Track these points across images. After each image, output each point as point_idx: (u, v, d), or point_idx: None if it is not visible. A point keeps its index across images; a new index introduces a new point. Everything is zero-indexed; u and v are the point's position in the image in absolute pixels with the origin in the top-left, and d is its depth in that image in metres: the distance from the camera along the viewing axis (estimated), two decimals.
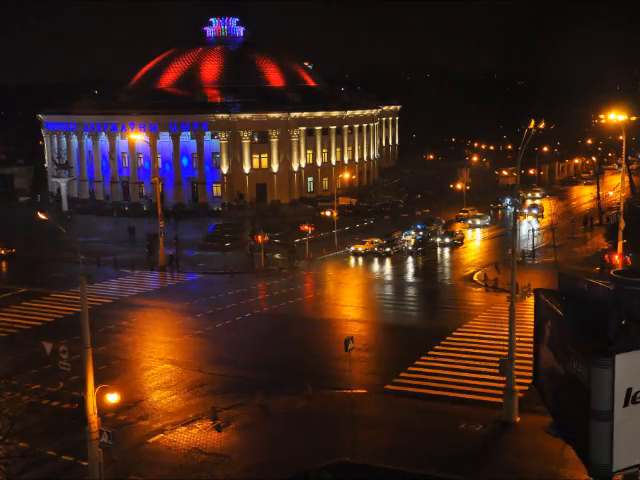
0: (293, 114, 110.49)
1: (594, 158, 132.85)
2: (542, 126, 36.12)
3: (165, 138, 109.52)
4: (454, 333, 48.23)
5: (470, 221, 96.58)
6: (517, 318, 35.43)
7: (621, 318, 19.05)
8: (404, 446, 31.63)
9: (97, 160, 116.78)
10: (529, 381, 28.59)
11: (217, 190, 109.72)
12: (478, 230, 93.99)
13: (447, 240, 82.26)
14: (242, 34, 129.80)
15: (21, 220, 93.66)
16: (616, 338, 18.58)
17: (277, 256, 75.49)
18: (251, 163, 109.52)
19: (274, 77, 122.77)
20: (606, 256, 65.48)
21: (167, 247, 73.55)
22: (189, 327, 51.70)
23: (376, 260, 75.24)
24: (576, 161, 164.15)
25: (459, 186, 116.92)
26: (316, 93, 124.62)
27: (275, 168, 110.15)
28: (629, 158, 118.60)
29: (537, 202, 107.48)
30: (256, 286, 65.18)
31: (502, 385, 34.45)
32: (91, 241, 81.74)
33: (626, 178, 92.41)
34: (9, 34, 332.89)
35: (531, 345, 26.68)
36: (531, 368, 26.59)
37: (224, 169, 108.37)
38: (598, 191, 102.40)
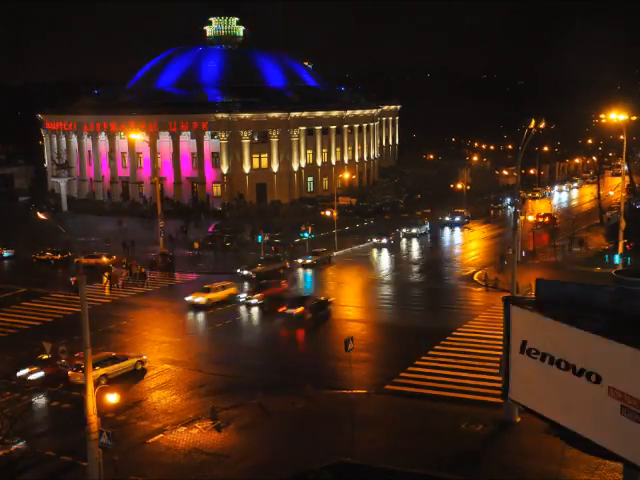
0: (293, 114, 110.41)
1: (594, 158, 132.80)
2: (542, 126, 36.21)
3: (165, 138, 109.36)
4: (454, 333, 48.20)
5: (405, 229, 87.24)
6: None
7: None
8: (404, 446, 31.61)
9: (97, 160, 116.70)
10: None
11: (217, 190, 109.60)
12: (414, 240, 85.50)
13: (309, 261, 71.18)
14: (242, 34, 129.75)
15: (21, 220, 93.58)
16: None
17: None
18: (251, 163, 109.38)
19: (274, 77, 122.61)
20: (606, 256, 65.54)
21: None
22: (189, 327, 51.68)
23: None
24: (576, 161, 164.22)
25: (459, 186, 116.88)
26: (316, 93, 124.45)
27: (275, 168, 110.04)
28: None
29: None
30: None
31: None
32: (90, 241, 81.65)
33: (626, 178, 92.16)
34: (9, 34, 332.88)
35: None
36: None
37: (224, 169, 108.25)
38: (598, 191, 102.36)
